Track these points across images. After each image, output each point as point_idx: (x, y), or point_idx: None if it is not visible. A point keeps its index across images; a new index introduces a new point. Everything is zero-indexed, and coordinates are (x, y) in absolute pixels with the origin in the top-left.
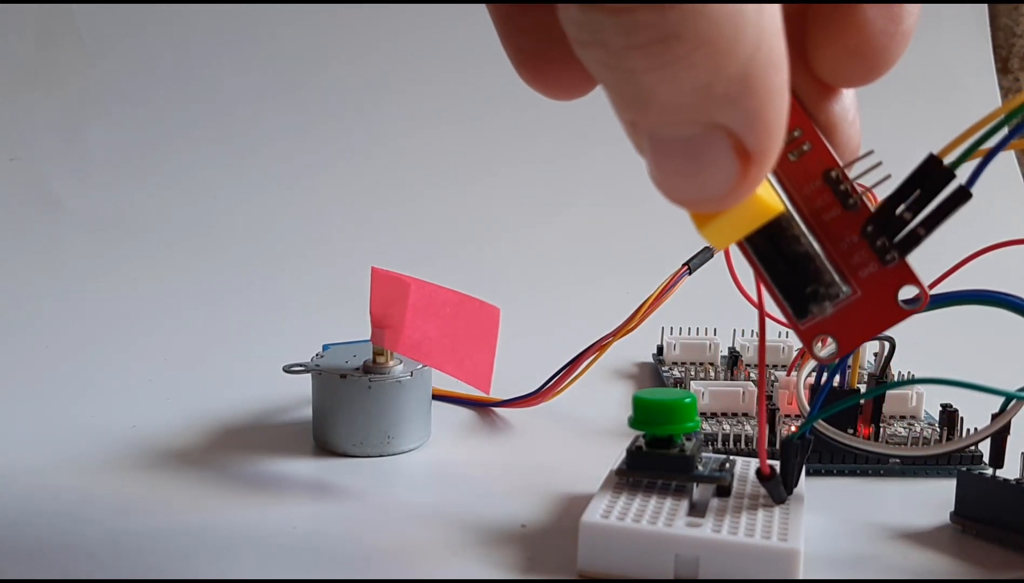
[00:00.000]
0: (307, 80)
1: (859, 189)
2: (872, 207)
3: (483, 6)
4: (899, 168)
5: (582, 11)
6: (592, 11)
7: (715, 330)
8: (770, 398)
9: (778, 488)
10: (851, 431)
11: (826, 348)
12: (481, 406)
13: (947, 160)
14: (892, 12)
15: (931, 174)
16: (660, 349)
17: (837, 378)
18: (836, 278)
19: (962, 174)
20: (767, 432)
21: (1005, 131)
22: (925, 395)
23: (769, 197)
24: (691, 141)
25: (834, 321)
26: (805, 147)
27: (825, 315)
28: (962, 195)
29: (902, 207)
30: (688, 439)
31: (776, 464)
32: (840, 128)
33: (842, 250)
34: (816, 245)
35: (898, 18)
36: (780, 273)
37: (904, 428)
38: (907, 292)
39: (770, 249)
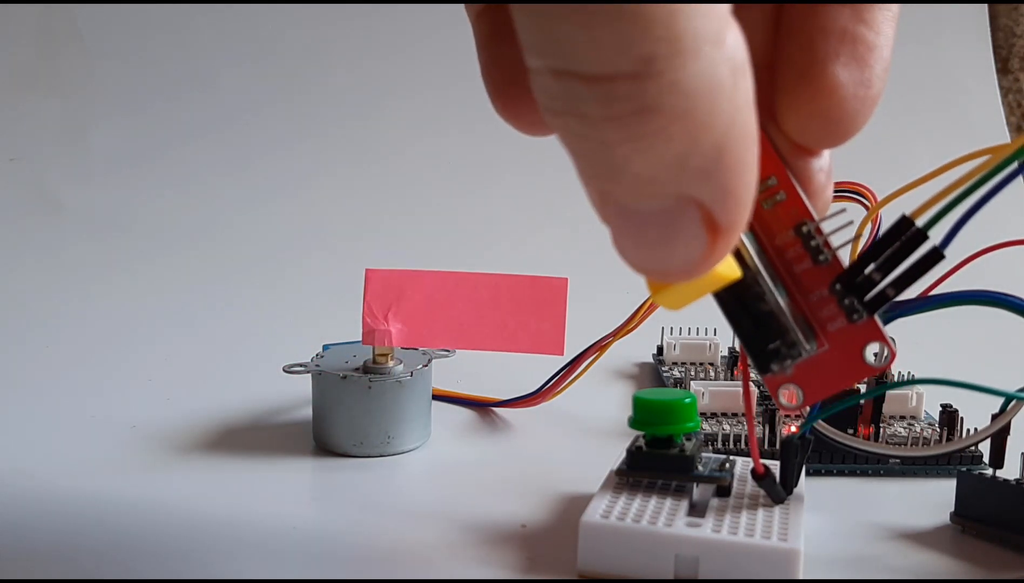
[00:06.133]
0: (309, 84)
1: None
2: (844, 263)
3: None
4: (897, 168)
5: (557, 79)
6: (568, 80)
7: (715, 330)
8: (770, 398)
9: (774, 487)
10: (851, 431)
11: (793, 398)
12: (481, 406)
13: (922, 219)
14: (864, 76)
15: (903, 235)
16: (660, 349)
17: None
18: (800, 337)
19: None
20: (764, 432)
21: (983, 191)
22: (925, 395)
23: (725, 264)
24: (661, 213)
25: (800, 372)
26: (779, 197)
27: (786, 373)
28: (935, 256)
29: (872, 267)
30: (688, 439)
31: (770, 463)
32: (813, 185)
33: (811, 303)
34: (783, 300)
35: (869, 82)
36: (744, 328)
37: (904, 428)
38: (874, 348)
39: (735, 305)
